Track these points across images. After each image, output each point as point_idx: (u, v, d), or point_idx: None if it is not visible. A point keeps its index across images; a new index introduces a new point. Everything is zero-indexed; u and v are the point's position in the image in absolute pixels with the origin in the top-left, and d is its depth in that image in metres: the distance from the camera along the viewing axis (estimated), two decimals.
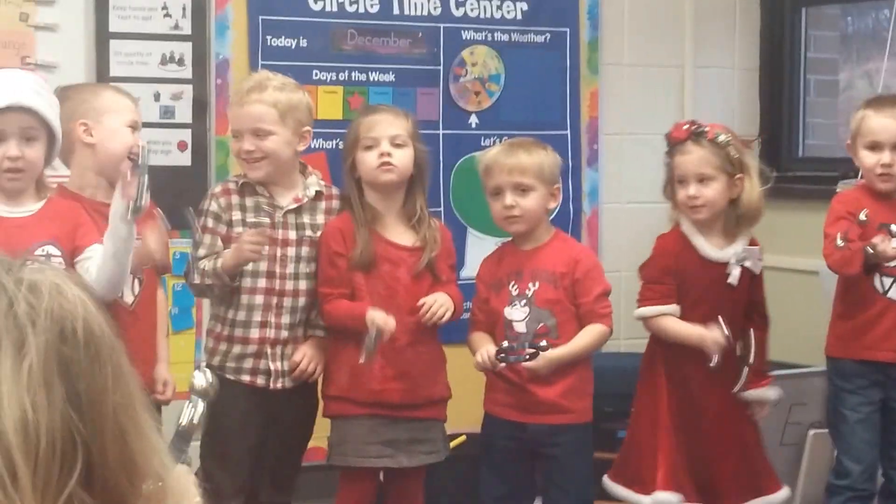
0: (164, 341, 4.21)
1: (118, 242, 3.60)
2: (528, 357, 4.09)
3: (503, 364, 4.14)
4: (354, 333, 4.14)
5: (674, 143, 4.35)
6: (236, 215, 4.16)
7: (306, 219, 4.22)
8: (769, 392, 4.37)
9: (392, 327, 4.05)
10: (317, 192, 4.25)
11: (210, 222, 4.17)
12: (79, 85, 4.25)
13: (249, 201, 4.18)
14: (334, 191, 4.36)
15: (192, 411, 1.92)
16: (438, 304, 4.17)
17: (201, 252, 4.13)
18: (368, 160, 4.21)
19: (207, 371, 2.17)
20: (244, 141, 4.14)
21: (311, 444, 4.39)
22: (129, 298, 3.96)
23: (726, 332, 4.13)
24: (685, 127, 4.33)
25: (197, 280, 4.13)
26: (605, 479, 4.39)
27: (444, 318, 4.18)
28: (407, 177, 4.26)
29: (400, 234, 4.27)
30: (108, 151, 3.94)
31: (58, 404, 1.29)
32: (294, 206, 4.20)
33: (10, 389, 1.28)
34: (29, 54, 4.89)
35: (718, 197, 4.27)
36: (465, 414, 4.50)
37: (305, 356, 4.19)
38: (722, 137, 4.29)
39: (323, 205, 4.27)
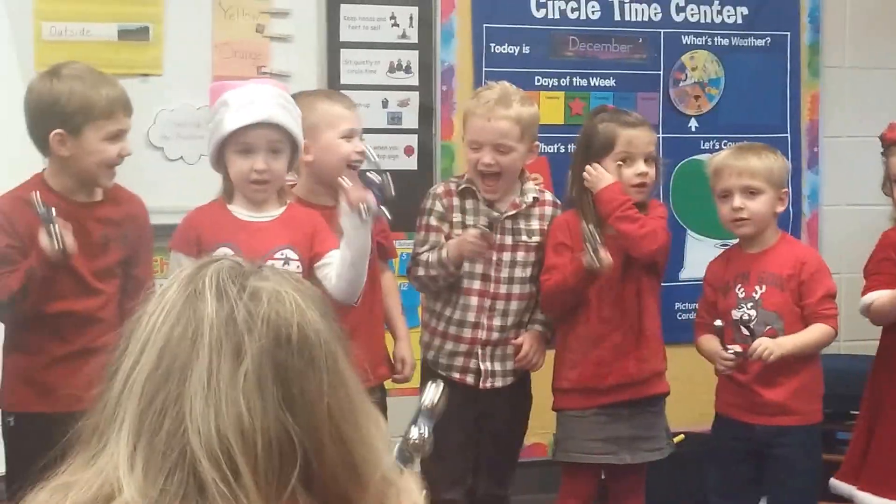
0: (399, 319, 4.32)
1: (355, 250, 3.69)
2: (750, 342, 4.12)
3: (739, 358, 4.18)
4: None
5: (887, 144, 4.36)
6: (457, 217, 4.27)
7: (522, 224, 4.31)
8: None
9: None
10: (534, 198, 4.34)
11: (434, 221, 4.28)
12: (297, 97, 4.35)
13: (469, 204, 4.28)
14: (548, 196, 4.42)
15: (435, 391, 2.00)
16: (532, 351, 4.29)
17: (424, 248, 4.26)
18: (624, 175, 4.25)
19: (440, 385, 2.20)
20: (484, 154, 4.21)
21: (531, 439, 4.47)
22: None
23: None
24: None
25: (421, 272, 4.26)
26: (834, 481, 4.42)
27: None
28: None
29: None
30: (326, 166, 4.05)
31: (272, 407, 1.37)
32: (512, 211, 4.29)
33: (229, 393, 1.36)
34: (264, 64, 5.11)
35: None
36: (686, 413, 4.56)
37: (531, 347, 4.28)
38: None
39: (538, 210, 4.34)
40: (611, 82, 5.56)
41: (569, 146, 5.29)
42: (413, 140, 5.31)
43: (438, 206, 4.28)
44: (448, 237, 4.23)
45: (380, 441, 1.45)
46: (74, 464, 1.41)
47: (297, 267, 3.73)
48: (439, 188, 4.35)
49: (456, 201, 4.29)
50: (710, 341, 4.24)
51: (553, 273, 4.24)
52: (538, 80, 5.46)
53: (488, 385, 4.28)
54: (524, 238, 4.29)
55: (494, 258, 4.24)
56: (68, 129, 3.65)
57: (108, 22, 5.01)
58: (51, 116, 3.66)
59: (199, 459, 1.33)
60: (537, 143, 4.33)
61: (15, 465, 3.67)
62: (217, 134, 3.77)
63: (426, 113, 5.32)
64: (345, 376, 1.43)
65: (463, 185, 4.30)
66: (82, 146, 3.66)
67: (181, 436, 1.34)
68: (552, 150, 5.39)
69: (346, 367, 1.44)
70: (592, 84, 5.53)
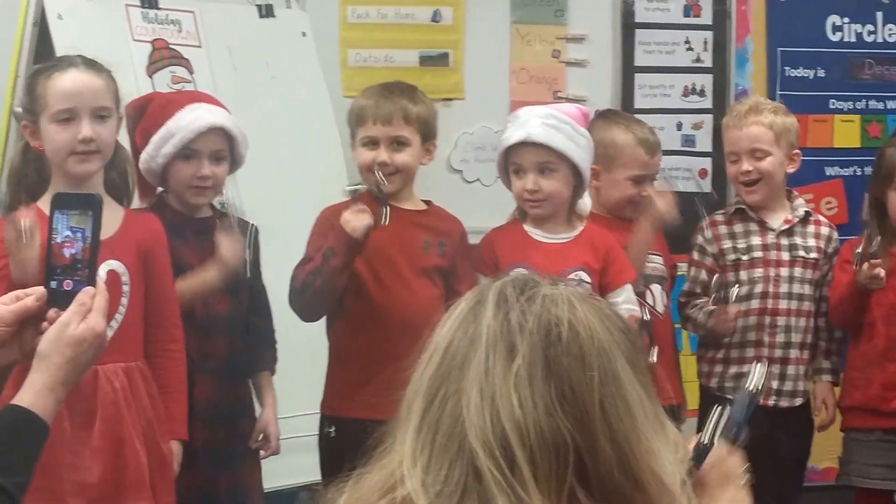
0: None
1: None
2: None
3: None
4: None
5: None
6: (727, 244, 4.29)
7: (798, 240, 4.31)
8: None
9: None
10: (805, 212, 4.34)
11: (695, 255, 4.33)
12: (607, 115, 4.38)
13: (739, 227, 4.31)
14: (821, 218, 4.43)
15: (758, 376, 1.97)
16: None
17: (686, 287, 4.31)
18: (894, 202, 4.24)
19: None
20: (742, 162, 4.26)
21: (824, 463, 4.43)
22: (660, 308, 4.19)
23: None
24: None
25: (689, 327, 4.33)
26: None
27: None
28: None
29: None
30: (608, 200, 4.15)
31: (543, 402, 1.40)
32: (785, 227, 4.30)
33: (502, 387, 1.41)
34: (560, 89, 5.24)
35: None
36: None
37: (825, 400, 4.31)
38: None
39: (812, 228, 4.34)
40: None
41: (864, 169, 5.27)
42: (707, 163, 5.34)
43: (699, 240, 4.33)
44: (712, 269, 4.23)
45: (665, 450, 1.46)
46: (369, 464, 1.48)
47: (589, 289, 3.76)
48: (704, 222, 4.36)
49: (723, 229, 4.32)
50: None
51: (836, 289, 4.25)
52: (833, 104, 5.43)
53: (771, 403, 4.25)
54: (801, 254, 4.30)
55: (773, 274, 4.26)
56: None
57: (410, 49, 5.22)
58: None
59: (476, 452, 1.38)
60: (797, 152, 4.32)
61: (331, 471, 3.74)
62: (499, 150, 3.91)
63: (720, 136, 5.30)
64: (621, 378, 1.44)
65: (733, 209, 4.34)
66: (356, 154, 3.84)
67: (459, 429, 1.40)
68: (848, 174, 5.35)
69: (625, 371, 1.45)
70: (889, 107, 5.47)
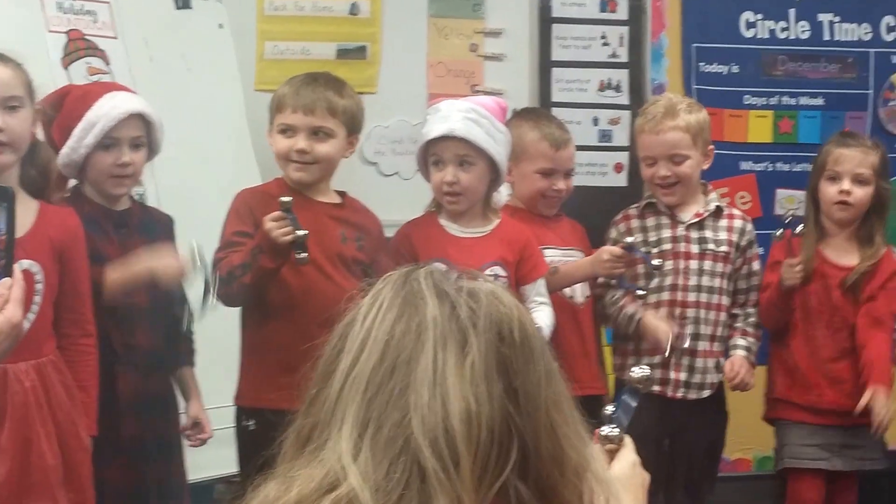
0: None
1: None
2: None
3: None
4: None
5: None
6: (639, 237, 4.30)
7: (708, 234, 4.32)
8: None
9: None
10: (717, 207, 4.35)
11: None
12: (520, 114, 4.37)
13: (651, 221, 4.34)
14: (735, 211, 4.45)
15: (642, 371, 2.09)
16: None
17: (602, 279, 4.30)
18: (829, 193, 4.31)
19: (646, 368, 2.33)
20: (659, 167, 4.26)
21: (735, 455, 4.47)
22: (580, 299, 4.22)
23: None
24: None
25: (603, 308, 4.32)
26: None
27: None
28: (863, 212, 4.33)
29: (841, 255, 4.35)
30: (520, 193, 4.22)
31: (497, 398, 1.41)
32: (695, 220, 4.32)
33: (455, 383, 1.40)
34: (478, 82, 5.25)
35: None
36: None
37: (741, 366, 4.28)
38: None
39: (725, 222, 4.36)
40: (819, 101, 5.54)
41: (776, 165, 5.33)
42: (623, 157, 5.36)
43: (613, 234, 4.34)
44: (631, 261, 4.24)
45: (587, 438, 1.49)
46: (297, 461, 1.47)
47: (504, 284, 3.75)
48: (618, 215, 4.40)
49: (635, 223, 4.34)
50: None
51: (766, 290, 4.29)
52: (747, 99, 5.47)
53: (679, 395, 4.27)
54: (711, 247, 4.31)
55: (682, 266, 4.28)
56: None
57: (328, 41, 5.21)
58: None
59: (421, 448, 1.37)
60: (712, 147, 4.34)
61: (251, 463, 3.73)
62: (419, 143, 3.94)
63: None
64: (556, 373, 1.48)
65: (644, 202, 4.36)
66: (272, 140, 3.81)
67: (405, 426, 1.38)
68: (760, 169, 5.40)
69: (555, 365, 1.48)
70: (801, 103, 5.52)
